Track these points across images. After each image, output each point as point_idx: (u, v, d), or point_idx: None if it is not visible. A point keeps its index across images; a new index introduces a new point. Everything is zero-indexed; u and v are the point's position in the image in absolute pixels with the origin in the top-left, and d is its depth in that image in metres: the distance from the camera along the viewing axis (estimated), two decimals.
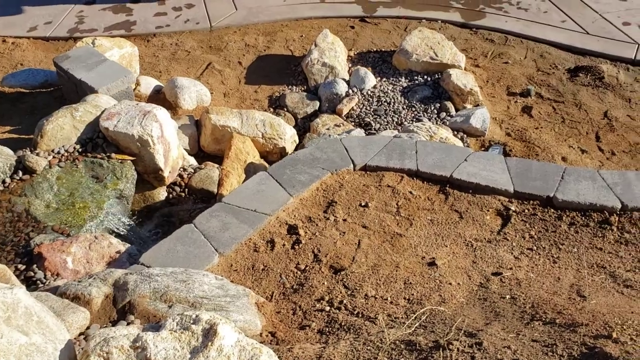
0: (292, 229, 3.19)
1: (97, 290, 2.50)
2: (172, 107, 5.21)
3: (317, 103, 5.39)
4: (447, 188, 3.52)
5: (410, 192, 3.48)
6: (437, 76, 5.45)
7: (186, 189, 4.09)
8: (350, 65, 5.80)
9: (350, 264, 2.98)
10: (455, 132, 4.93)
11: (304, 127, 5.24)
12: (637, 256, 3.06)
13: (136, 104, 4.05)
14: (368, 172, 3.63)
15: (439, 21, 6.39)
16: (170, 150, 4.02)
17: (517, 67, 5.72)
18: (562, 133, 4.97)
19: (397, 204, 3.41)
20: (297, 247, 3.09)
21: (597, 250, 3.12)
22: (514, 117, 5.15)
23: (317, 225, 3.25)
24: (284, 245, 3.11)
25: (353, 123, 5.15)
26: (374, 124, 5.07)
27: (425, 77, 5.49)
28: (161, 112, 3.98)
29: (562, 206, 3.36)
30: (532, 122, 5.10)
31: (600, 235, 3.20)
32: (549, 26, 6.18)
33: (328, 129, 5.05)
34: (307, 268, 2.98)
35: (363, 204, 3.39)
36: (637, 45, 5.78)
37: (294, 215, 3.30)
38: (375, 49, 6.06)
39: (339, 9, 6.68)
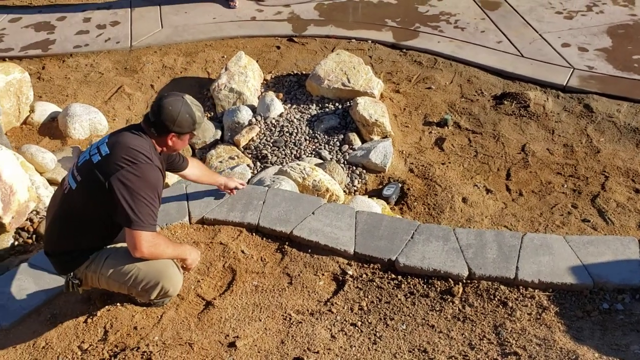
0: (89, 300, 2.88)
1: None
2: (63, 136, 4.96)
3: (220, 132, 5.08)
4: (286, 246, 3.17)
5: (243, 252, 3.13)
6: (348, 104, 5.08)
7: (34, 235, 3.80)
8: (263, 90, 5.47)
9: (138, 341, 2.66)
10: (355, 168, 4.57)
11: (201, 158, 4.92)
12: (469, 337, 2.68)
13: None
14: (205, 226, 3.29)
15: (369, 41, 6.01)
16: (15, 193, 3.74)
17: (440, 93, 5.31)
18: (470, 169, 4.56)
19: (223, 266, 3.07)
20: (90, 320, 2.78)
21: (428, 329, 2.73)
22: (423, 151, 4.76)
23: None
24: (76, 318, 2.80)
25: (250, 155, 4.81)
26: (270, 157, 4.73)
27: (337, 104, 5.12)
28: None
29: (404, 271, 2.98)
30: (442, 156, 4.70)
31: (438, 308, 2.82)
32: (483, 47, 5.74)
33: (221, 162, 4.73)
34: (89, 348, 2.66)
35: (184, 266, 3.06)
36: (571, 70, 5.31)
37: None
38: (296, 72, 5.71)
39: (268, 28, 6.34)
